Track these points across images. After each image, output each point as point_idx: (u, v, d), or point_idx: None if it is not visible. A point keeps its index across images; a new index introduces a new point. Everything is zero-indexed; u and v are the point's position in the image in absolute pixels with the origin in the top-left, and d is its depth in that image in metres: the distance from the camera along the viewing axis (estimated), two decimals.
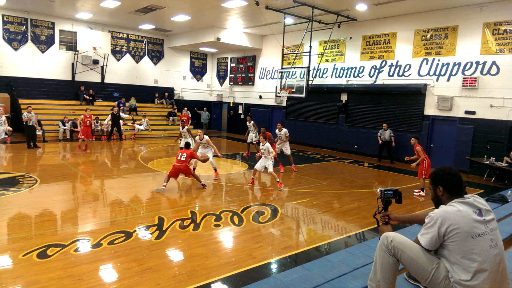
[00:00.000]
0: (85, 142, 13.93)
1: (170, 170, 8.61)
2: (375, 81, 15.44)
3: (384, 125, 14.29)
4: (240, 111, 22.52)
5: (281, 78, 16.44)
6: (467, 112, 12.68)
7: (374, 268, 2.81)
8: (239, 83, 22.66)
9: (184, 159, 8.54)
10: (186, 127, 11.98)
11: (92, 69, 19.98)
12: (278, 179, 9.23)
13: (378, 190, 3.12)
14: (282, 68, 16.66)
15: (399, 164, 13.99)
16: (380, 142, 14.38)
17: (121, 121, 18.12)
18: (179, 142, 13.05)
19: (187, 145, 9.30)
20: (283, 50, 16.65)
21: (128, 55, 21.31)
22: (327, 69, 17.39)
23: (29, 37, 18.04)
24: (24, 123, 13.71)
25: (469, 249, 2.42)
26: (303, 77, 15.31)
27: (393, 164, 14.06)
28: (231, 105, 23.24)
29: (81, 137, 13.69)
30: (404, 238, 2.75)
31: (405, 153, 13.97)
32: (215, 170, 10.12)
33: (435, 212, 2.58)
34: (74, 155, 13.67)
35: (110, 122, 16.92)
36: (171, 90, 23.09)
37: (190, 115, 20.88)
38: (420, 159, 9.25)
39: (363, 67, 15.89)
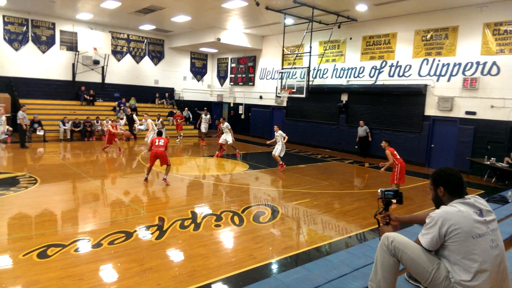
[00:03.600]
0: (114, 146, 14.52)
1: (150, 157, 9.14)
2: (375, 82, 15.43)
3: (360, 122, 15.54)
4: (240, 111, 22.53)
5: (282, 78, 16.43)
6: (467, 113, 12.67)
7: (375, 268, 2.82)
8: (240, 84, 22.66)
9: (162, 143, 9.12)
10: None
11: (92, 69, 19.99)
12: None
13: (379, 191, 3.12)
14: (283, 69, 16.65)
15: None
16: (357, 139, 15.70)
17: (121, 122, 18.17)
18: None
19: (160, 133, 9.86)
20: (283, 50, 16.66)
21: (128, 55, 21.32)
22: (327, 69, 17.38)
23: (30, 38, 18.04)
24: (20, 123, 13.74)
25: (470, 249, 2.42)
26: (304, 78, 15.31)
27: (365, 159, 15.08)
28: (232, 105, 23.25)
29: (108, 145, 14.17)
30: (404, 238, 2.75)
31: (404, 154, 14.01)
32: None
33: (436, 213, 2.58)
34: (76, 155, 13.67)
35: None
36: (171, 91, 23.10)
37: (182, 115, 20.73)
38: (388, 164, 8.70)
39: (363, 68, 15.89)
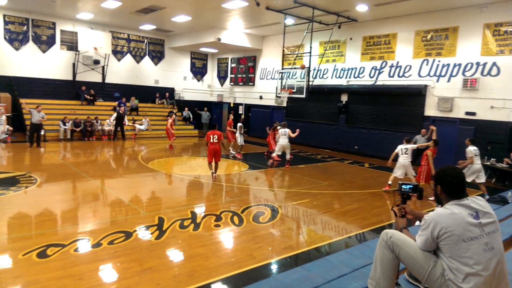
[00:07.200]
0: (171, 142, 15.50)
1: (207, 155, 9.56)
2: (375, 82, 15.43)
3: (423, 130, 12.11)
4: (240, 112, 22.52)
5: (282, 78, 16.44)
6: (467, 113, 12.67)
7: (374, 265, 2.86)
8: (240, 84, 22.67)
9: (216, 140, 9.37)
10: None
11: (93, 69, 20.00)
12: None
13: (398, 183, 3.19)
14: (283, 69, 16.65)
15: None
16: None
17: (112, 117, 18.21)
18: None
19: (214, 126, 10.02)
20: (283, 50, 16.66)
21: (129, 55, 21.33)
22: (327, 69, 17.38)
23: (30, 37, 18.05)
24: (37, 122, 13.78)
25: (461, 252, 2.43)
26: (304, 78, 15.30)
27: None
28: (232, 105, 23.25)
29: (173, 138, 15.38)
30: (403, 235, 2.80)
31: None
32: None
33: (429, 215, 2.63)
34: (76, 155, 13.69)
35: (114, 122, 17.24)
36: (171, 90, 23.11)
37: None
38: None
39: (364, 68, 15.89)
